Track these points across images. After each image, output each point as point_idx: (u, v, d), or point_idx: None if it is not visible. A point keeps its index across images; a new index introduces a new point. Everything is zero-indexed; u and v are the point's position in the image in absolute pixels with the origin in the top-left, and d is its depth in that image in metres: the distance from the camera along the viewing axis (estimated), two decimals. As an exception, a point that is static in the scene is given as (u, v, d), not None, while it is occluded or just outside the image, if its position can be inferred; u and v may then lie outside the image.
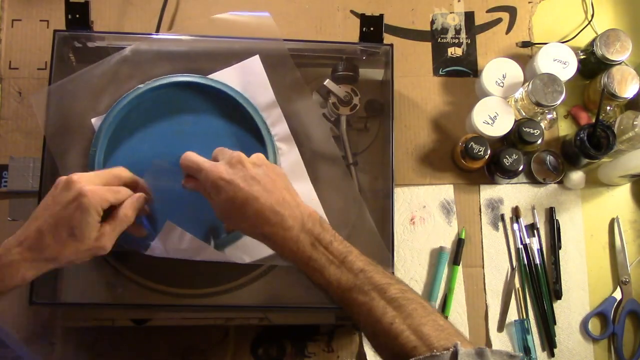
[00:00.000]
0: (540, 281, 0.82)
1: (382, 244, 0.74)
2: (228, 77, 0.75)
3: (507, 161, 0.80)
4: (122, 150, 0.73)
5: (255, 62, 0.77)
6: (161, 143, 0.73)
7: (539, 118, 0.84)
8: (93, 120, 0.74)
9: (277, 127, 0.75)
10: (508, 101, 0.84)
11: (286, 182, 0.61)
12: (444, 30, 0.90)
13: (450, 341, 0.51)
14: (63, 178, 0.57)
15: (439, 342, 0.51)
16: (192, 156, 0.61)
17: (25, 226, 0.57)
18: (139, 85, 0.73)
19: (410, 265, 0.82)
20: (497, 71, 0.84)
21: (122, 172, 0.62)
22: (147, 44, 0.76)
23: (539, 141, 0.82)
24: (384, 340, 0.54)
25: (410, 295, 0.55)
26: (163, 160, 0.69)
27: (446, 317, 0.55)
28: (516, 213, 0.85)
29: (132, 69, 0.75)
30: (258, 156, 0.61)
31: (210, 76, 0.75)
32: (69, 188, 0.56)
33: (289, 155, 0.75)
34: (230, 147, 0.71)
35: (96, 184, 0.58)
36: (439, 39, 0.90)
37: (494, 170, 0.83)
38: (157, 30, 0.83)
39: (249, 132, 0.74)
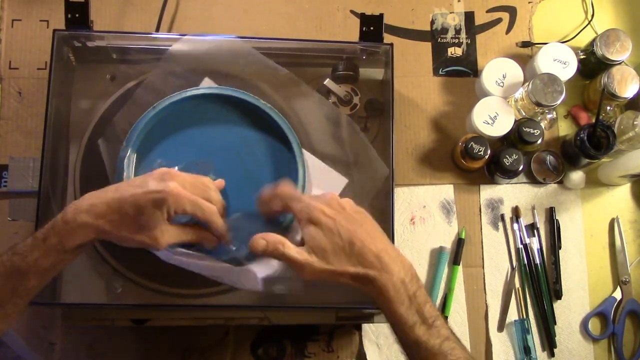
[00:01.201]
0: (540, 281, 0.82)
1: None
2: None
3: (507, 161, 0.80)
4: (153, 152, 0.71)
5: None
6: (191, 152, 0.72)
7: (539, 118, 0.84)
8: None
9: None
10: (508, 101, 0.84)
11: (382, 231, 0.60)
12: (444, 30, 0.90)
13: None
14: (163, 169, 0.58)
15: None
16: (291, 187, 0.61)
17: (103, 195, 0.56)
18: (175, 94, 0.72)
19: (410, 265, 0.82)
20: (497, 71, 0.84)
21: (212, 187, 0.62)
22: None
23: (539, 141, 0.82)
24: None
25: None
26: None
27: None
28: (516, 213, 0.85)
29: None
30: (349, 201, 0.60)
31: None
32: (162, 179, 0.57)
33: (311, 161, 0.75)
34: (262, 156, 0.72)
35: (186, 188, 0.58)
36: (439, 39, 0.90)
37: (494, 170, 0.83)
38: (157, 30, 0.83)
39: (279, 143, 0.72)
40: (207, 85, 0.74)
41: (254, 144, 0.72)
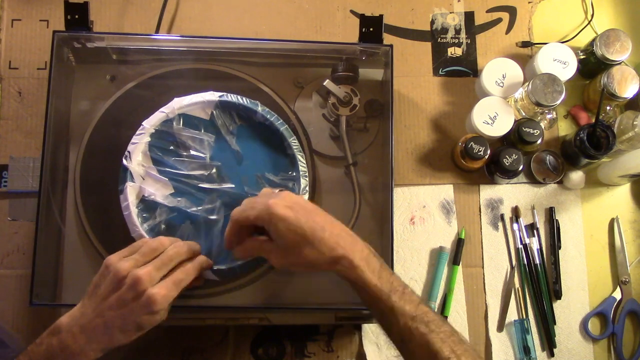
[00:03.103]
0: (540, 281, 0.82)
1: (381, 245, 0.75)
2: None
3: (507, 161, 0.80)
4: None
5: None
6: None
7: (539, 118, 0.84)
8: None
9: None
10: (508, 101, 0.84)
11: (334, 218, 0.62)
12: (444, 30, 0.90)
13: None
14: (129, 277, 0.58)
15: None
16: (238, 209, 0.61)
17: (89, 316, 0.58)
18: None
19: (410, 265, 0.82)
20: (497, 71, 0.84)
21: (182, 250, 0.63)
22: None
23: (539, 141, 0.82)
24: None
25: (458, 336, 0.58)
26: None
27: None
28: (516, 213, 0.85)
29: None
30: (300, 196, 0.63)
31: None
32: (135, 290, 0.57)
33: None
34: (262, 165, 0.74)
35: (159, 277, 0.59)
36: (439, 39, 0.90)
37: (494, 170, 0.83)
38: (157, 30, 0.83)
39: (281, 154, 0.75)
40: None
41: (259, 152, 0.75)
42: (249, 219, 0.60)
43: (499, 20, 0.91)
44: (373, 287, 0.58)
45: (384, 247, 0.75)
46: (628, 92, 0.82)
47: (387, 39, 0.86)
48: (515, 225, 0.84)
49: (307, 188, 0.73)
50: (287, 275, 0.73)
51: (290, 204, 0.58)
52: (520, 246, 0.83)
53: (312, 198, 0.77)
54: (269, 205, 0.58)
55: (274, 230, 0.58)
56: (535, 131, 0.81)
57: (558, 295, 0.82)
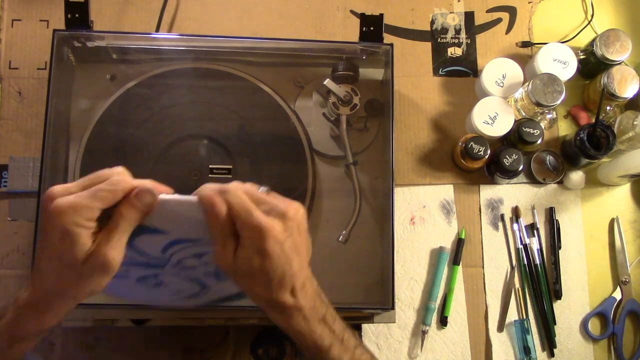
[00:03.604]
0: (540, 281, 0.82)
1: (381, 245, 0.74)
2: None
3: (507, 161, 0.80)
4: None
5: None
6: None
7: (539, 118, 0.84)
8: None
9: None
10: (508, 101, 0.84)
11: (308, 254, 0.55)
12: (444, 30, 0.90)
13: None
14: (44, 196, 0.47)
15: None
16: (242, 195, 0.49)
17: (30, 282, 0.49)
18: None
19: (410, 265, 0.82)
20: (497, 71, 0.84)
21: (112, 175, 0.50)
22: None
23: (539, 141, 0.82)
24: None
25: None
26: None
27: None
28: (516, 213, 0.85)
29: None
30: (303, 221, 0.52)
31: None
32: (46, 208, 0.46)
33: None
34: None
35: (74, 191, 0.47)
36: (439, 39, 0.90)
37: (494, 170, 0.83)
38: (157, 30, 0.83)
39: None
40: None
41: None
42: (234, 218, 0.49)
43: (499, 20, 0.91)
44: (314, 342, 0.54)
45: (385, 247, 0.75)
46: (628, 92, 0.82)
47: (387, 39, 0.86)
48: (515, 226, 0.84)
49: None
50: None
51: (287, 233, 0.50)
52: (520, 246, 0.83)
53: (312, 198, 0.77)
54: (265, 231, 0.48)
55: (244, 255, 0.49)
56: (535, 131, 0.81)
57: (558, 295, 0.82)
